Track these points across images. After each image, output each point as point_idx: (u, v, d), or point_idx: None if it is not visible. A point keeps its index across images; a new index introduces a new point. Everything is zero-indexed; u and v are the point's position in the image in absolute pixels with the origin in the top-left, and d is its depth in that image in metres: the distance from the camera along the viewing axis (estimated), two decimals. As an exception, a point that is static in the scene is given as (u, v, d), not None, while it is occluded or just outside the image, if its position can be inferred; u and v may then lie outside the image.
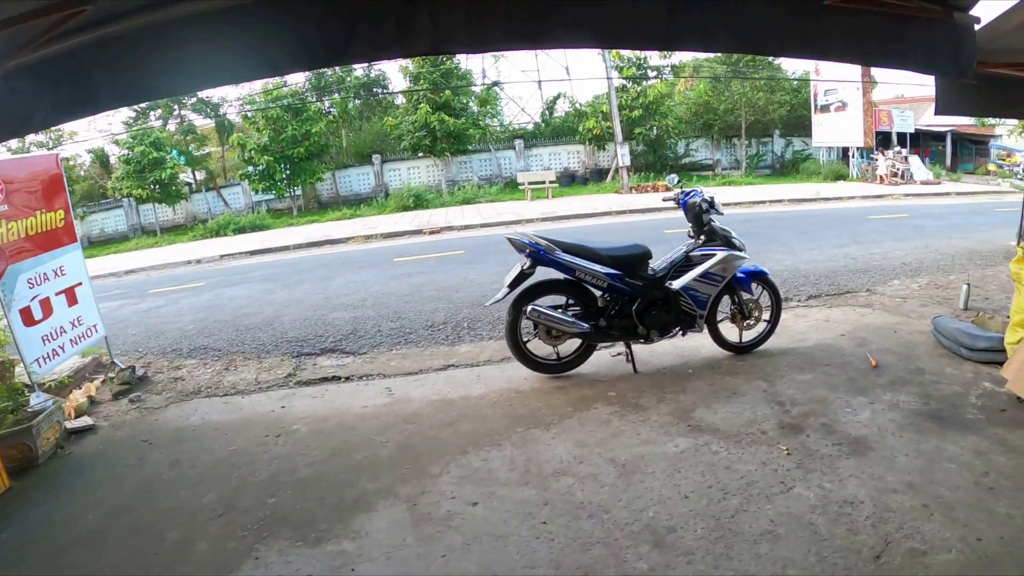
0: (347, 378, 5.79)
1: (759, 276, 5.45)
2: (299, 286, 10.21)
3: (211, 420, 5.05)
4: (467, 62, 35.86)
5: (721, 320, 5.51)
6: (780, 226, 13.32)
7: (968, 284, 6.79)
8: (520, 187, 23.91)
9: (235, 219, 22.87)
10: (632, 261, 5.00)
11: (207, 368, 6.44)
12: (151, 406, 5.48)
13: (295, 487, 3.83)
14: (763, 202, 18.73)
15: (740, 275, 5.27)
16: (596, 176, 28.09)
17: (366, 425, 4.64)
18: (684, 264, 5.13)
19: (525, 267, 4.87)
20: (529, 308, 4.87)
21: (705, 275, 5.03)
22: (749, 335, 5.52)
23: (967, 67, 5.58)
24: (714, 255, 5.04)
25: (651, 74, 27.10)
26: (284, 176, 25.09)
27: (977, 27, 5.67)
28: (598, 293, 5.05)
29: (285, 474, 4.00)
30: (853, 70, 24.72)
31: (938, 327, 5.61)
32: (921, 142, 31.23)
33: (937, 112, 7.20)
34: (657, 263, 5.24)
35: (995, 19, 5.62)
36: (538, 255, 4.83)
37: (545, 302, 5.03)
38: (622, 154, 23.90)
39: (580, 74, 36.17)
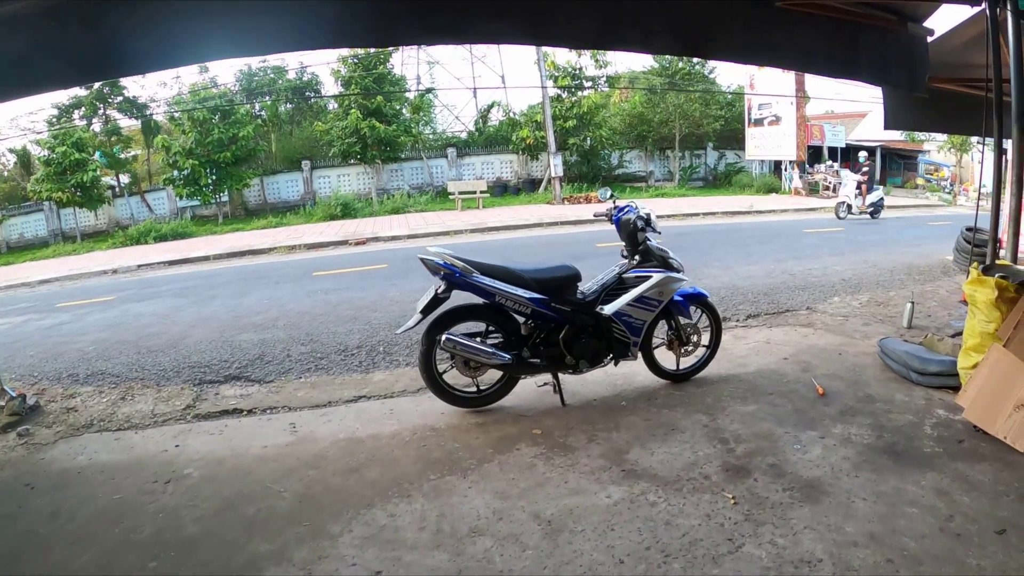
0: (249, 411, 5.12)
1: (698, 299, 4.99)
2: (211, 302, 9.43)
3: (99, 460, 4.34)
4: (402, 68, 35.42)
5: (657, 347, 5.04)
6: (715, 240, 13.12)
7: (912, 303, 6.57)
8: (451, 197, 23.41)
9: (157, 226, 21.80)
10: (559, 284, 4.48)
11: (103, 397, 5.70)
12: (39, 441, 4.73)
13: (180, 548, 3.16)
14: (697, 214, 18.65)
15: (678, 298, 4.81)
16: (529, 186, 27.85)
17: (264, 470, 4.00)
18: (617, 287, 4.63)
19: (440, 291, 4.31)
20: (444, 337, 4.29)
21: (640, 299, 4.55)
22: (687, 362, 5.07)
23: (920, 80, 5.28)
24: (649, 277, 4.56)
25: (587, 84, 26.96)
26: (210, 181, 24.12)
27: (930, 39, 5.38)
28: (521, 320, 4.52)
29: (170, 531, 3.33)
30: (787, 85, 25.11)
31: (885, 350, 5.33)
32: (851, 156, 32.00)
33: (886, 127, 7.09)
34: (587, 285, 4.72)
35: (943, 35, 5.40)
36: (453, 278, 4.25)
37: (463, 329, 4.47)
38: (555, 164, 23.62)
39: (516, 83, 36.05)
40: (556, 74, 25.85)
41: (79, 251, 20.77)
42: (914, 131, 20.19)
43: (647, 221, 4.66)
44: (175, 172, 23.98)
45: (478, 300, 4.43)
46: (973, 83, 6.38)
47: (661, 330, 5.02)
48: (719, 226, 16.05)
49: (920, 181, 32.12)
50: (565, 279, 4.49)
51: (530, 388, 4.89)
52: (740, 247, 11.78)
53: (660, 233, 4.81)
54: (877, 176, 32.32)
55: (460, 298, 4.45)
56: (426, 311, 4.33)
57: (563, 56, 26.17)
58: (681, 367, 5.02)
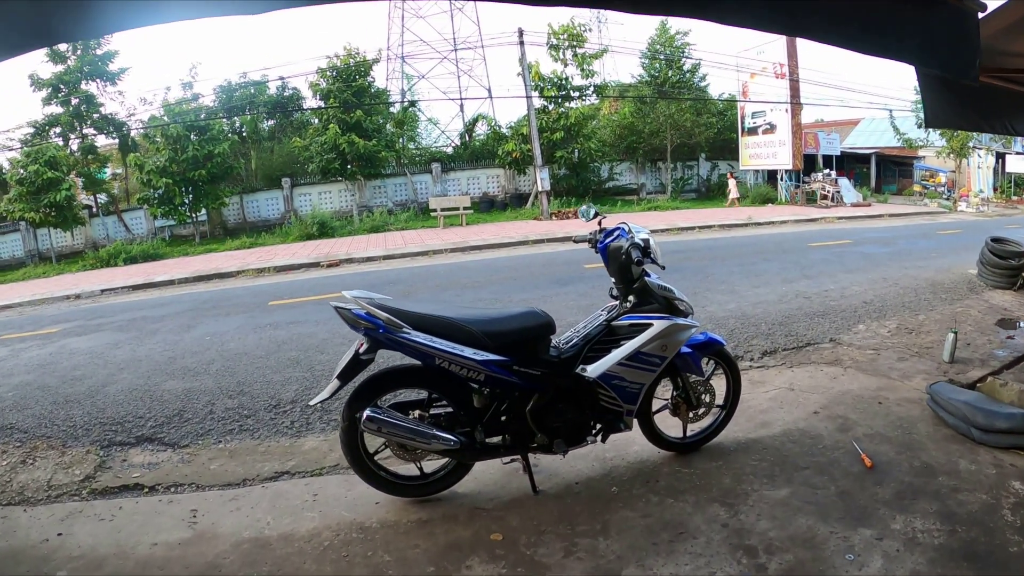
0: (152, 488, 4.08)
1: (711, 347, 3.84)
2: (151, 338, 8.34)
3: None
4: (387, 82, 34.54)
5: (659, 410, 3.89)
6: (715, 257, 12.07)
7: (955, 332, 5.55)
8: (433, 214, 22.37)
9: (127, 248, 20.67)
10: (524, 339, 3.31)
11: (3, 460, 4.72)
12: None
13: None
14: (692, 228, 17.67)
15: (686, 350, 3.65)
16: (516, 201, 26.87)
17: (146, 581, 2.97)
18: (605, 339, 3.49)
19: (361, 351, 3.19)
20: (366, 415, 3.14)
21: (636, 357, 3.39)
22: (697, 426, 3.96)
23: (970, 64, 4.24)
24: (649, 326, 3.42)
25: (573, 95, 26.02)
26: (185, 201, 23.13)
27: (981, 15, 4.35)
28: (475, 386, 3.38)
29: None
30: (781, 92, 24.32)
31: (937, 398, 4.34)
32: (845, 164, 31.31)
33: (927, 125, 6.21)
34: (565, 336, 3.59)
35: (988, 14, 4.45)
36: (376, 334, 3.11)
37: (399, 397, 3.46)
38: (542, 178, 22.56)
39: (502, 95, 35.33)
40: (542, 85, 24.89)
41: (49, 273, 19.73)
42: (956, 129, 19.36)
43: (644, 249, 3.39)
44: (150, 191, 23.03)
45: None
46: (1015, 75, 5.49)
47: (663, 387, 3.95)
48: (718, 241, 15.04)
49: (917, 188, 31.41)
50: (532, 332, 3.32)
51: (493, 465, 3.78)
52: (745, 266, 10.72)
53: (664, 268, 3.57)
54: (872, 183, 31.64)
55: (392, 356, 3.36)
56: (344, 377, 3.21)
57: (548, 66, 25.33)
58: (688, 434, 3.91)
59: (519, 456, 3.49)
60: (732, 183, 25.45)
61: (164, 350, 7.56)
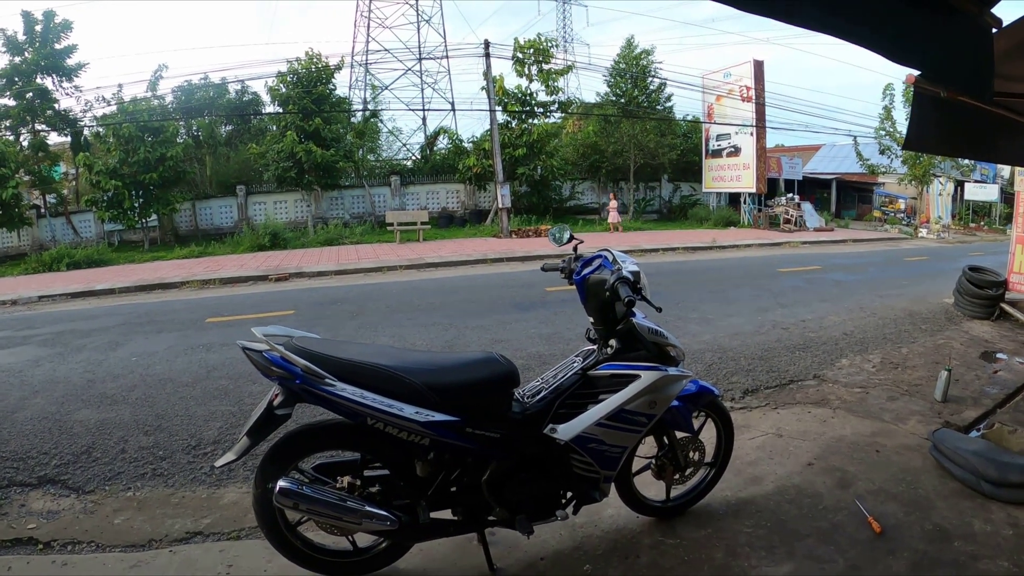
0: (47, 544, 3.43)
1: (703, 398, 3.22)
2: (74, 356, 7.53)
3: None
4: (350, 92, 33.83)
5: (639, 471, 3.28)
6: (684, 281, 11.64)
7: (949, 371, 5.17)
8: (389, 228, 21.70)
9: (71, 252, 19.52)
10: (479, 393, 2.64)
11: None
12: None
13: None
14: (656, 250, 17.33)
15: (674, 404, 3.02)
16: (476, 217, 26.30)
17: None
18: (580, 390, 2.83)
19: (276, 403, 2.52)
20: (279, 487, 2.46)
21: (619, 415, 2.73)
22: (682, 488, 3.37)
23: (986, 82, 3.85)
24: (635, 378, 2.73)
25: (538, 111, 25.65)
26: (135, 205, 22.11)
27: (995, 31, 3.97)
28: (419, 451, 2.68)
29: None
30: (746, 115, 24.36)
31: (942, 447, 3.94)
32: (806, 189, 31.59)
33: (906, 146, 5.89)
34: (531, 387, 2.93)
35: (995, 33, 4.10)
36: (292, 385, 2.45)
37: (323, 458, 2.82)
38: (503, 195, 22.01)
39: (465, 108, 34.92)
40: (506, 100, 24.47)
41: (-12, 276, 18.50)
42: (935, 154, 19.42)
43: (634, 284, 2.64)
44: (99, 193, 22.05)
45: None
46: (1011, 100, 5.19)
47: (645, 444, 3.27)
48: (683, 264, 14.67)
49: (877, 213, 31.86)
50: (489, 384, 2.65)
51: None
52: (715, 292, 10.27)
53: (660, 310, 2.85)
54: (833, 208, 31.99)
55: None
56: (255, 435, 2.52)
57: (513, 81, 24.90)
58: (672, 496, 3.32)
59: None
60: (612, 203, 23.82)
61: (85, 371, 6.79)
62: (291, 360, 2.41)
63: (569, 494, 2.92)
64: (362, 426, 2.50)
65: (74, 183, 27.97)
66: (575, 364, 2.90)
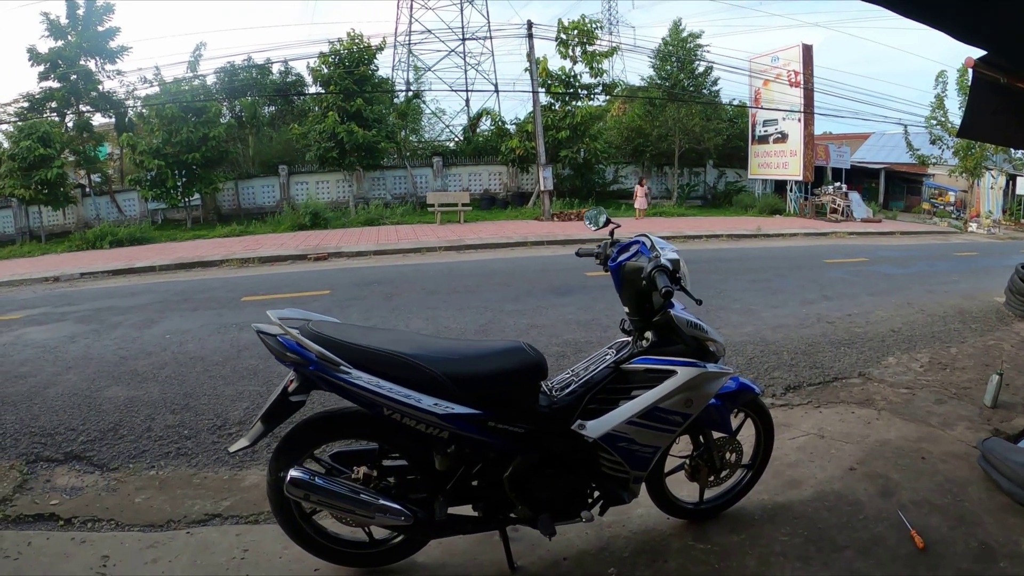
0: (68, 521, 3.45)
1: (743, 397, 3.04)
2: (110, 333, 7.64)
3: None
4: (392, 72, 33.83)
5: (672, 471, 3.12)
6: (727, 270, 11.37)
7: (1000, 375, 4.89)
8: (430, 209, 21.66)
9: (114, 230, 19.93)
10: (502, 383, 2.49)
11: None
12: None
13: None
14: (699, 237, 17.06)
15: (713, 402, 2.86)
16: (518, 200, 26.11)
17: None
18: (613, 385, 2.68)
19: (291, 389, 2.42)
20: (290, 476, 2.37)
21: (653, 414, 2.57)
22: (716, 489, 3.20)
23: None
24: (671, 374, 2.57)
25: (581, 93, 25.28)
26: (178, 184, 22.52)
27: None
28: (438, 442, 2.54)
29: None
30: (794, 100, 23.72)
31: (991, 458, 3.66)
32: (853, 179, 30.69)
33: (960, 134, 5.74)
34: (560, 380, 2.76)
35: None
36: (307, 371, 2.34)
37: (339, 447, 2.73)
38: (545, 177, 21.81)
39: (507, 90, 34.63)
40: (549, 81, 24.19)
41: (34, 253, 19.04)
42: (988, 142, 18.69)
43: (672, 274, 2.45)
44: (142, 172, 22.55)
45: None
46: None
47: (679, 442, 3.08)
48: (727, 252, 14.36)
49: (927, 206, 30.86)
50: (515, 376, 2.51)
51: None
52: (759, 282, 10.01)
53: (700, 302, 2.64)
54: (880, 199, 31.06)
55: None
56: (269, 421, 2.44)
57: (556, 63, 24.61)
58: (706, 499, 3.16)
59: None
60: (640, 190, 22.97)
61: (119, 348, 6.87)
62: (305, 345, 2.31)
63: (596, 493, 2.78)
64: (379, 416, 2.39)
65: (118, 163, 28.51)
66: (608, 356, 2.75)
